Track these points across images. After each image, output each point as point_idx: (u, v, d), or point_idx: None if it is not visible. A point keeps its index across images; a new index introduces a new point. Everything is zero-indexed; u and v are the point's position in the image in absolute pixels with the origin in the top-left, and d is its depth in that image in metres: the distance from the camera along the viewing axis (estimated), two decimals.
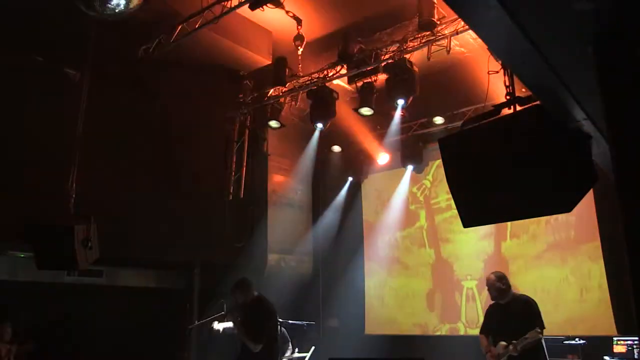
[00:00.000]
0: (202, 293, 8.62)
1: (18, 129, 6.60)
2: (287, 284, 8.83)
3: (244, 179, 9.08)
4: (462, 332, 8.49)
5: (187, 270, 8.89)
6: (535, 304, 5.39)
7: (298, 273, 9.78)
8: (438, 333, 8.73)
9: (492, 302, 5.69)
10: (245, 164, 9.13)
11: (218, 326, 6.02)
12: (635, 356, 6.12)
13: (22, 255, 7.13)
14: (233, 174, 9.05)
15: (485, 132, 2.75)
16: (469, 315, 8.49)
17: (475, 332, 8.07)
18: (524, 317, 5.30)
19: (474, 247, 8.59)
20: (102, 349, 7.59)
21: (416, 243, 9.38)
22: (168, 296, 8.77)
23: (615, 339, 6.39)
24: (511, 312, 5.40)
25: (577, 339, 6.35)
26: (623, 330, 6.59)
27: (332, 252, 10.10)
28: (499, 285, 5.48)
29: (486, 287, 5.66)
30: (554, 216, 7.63)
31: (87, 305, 7.95)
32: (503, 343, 5.33)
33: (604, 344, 6.38)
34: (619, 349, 6.29)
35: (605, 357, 6.19)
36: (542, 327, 5.26)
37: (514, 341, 5.24)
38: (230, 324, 5.88)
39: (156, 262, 8.68)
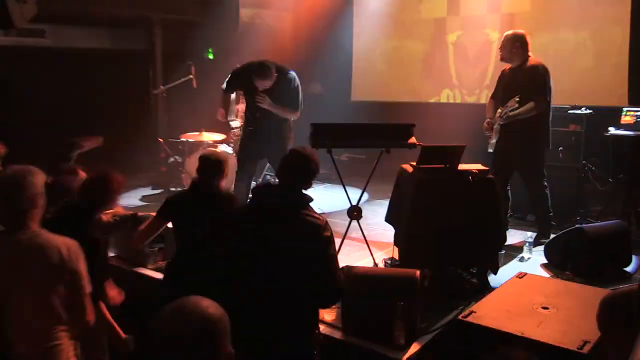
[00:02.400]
0: (165, 55, 8.04)
1: None
2: (262, 43, 7.99)
3: None
4: (458, 100, 8.12)
5: (146, 28, 8.10)
6: (542, 72, 5.02)
7: (276, 31, 8.97)
8: (432, 100, 8.32)
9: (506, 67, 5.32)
10: None
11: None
12: None
13: None
14: None
15: None
16: (468, 82, 8.01)
17: (473, 100, 7.89)
18: (525, 84, 4.98)
19: (482, 3, 7.70)
20: (55, 116, 7.10)
21: None
22: (126, 59, 8.06)
23: (625, 109, 5.99)
24: (516, 78, 5.10)
25: (583, 108, 5.96)
26: (635, 101, 6.21)
27: (315, 5, 8.88)
28: (510, 45, 5.06)
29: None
30: None
31: (33, 70, 7.20)
32: (499, 110, 5.13)
33: (611, 115, 6.00)
34: (626, 119, 5.92)
35: (611, 128, 5.86)
36: (539, 99, 4.89)
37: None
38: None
39: (109, 19, 7.77)
